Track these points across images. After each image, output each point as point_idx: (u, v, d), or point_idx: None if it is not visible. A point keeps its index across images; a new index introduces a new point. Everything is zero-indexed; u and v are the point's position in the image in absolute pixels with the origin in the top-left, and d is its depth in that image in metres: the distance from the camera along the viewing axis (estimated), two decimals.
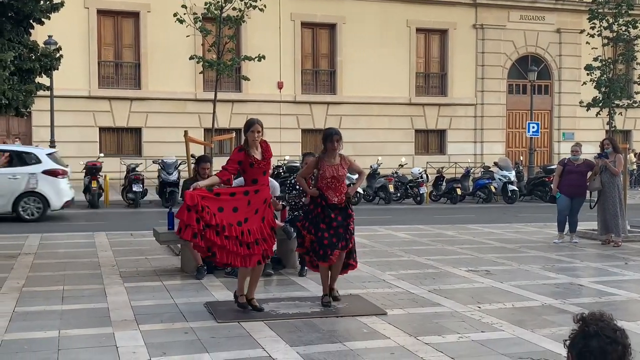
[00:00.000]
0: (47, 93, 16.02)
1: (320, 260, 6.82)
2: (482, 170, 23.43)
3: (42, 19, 9.74)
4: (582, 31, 21.76)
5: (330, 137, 6.87)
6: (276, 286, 8.14)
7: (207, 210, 6.25)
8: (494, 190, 21.31)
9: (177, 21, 17.46)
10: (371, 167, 21.26)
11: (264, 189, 6.61)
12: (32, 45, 9.60)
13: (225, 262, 6.62)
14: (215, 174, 6.93)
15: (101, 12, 24.66)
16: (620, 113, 21.87)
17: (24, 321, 6.35)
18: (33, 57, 9.46)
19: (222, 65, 17.98)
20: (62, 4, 9.93)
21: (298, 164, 19.02)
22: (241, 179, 6.91)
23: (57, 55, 10.02)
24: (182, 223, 6.33)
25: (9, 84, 8.69)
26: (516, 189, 21.56)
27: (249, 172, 6.57)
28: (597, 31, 19.11)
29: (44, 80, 10.82)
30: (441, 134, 29.12)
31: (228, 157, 6.76)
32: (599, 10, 19.15)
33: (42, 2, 9.56)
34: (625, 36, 19.23)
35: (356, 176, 7.61)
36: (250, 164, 6.51)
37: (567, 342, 2.41)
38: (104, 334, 5.93)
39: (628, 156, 17.96)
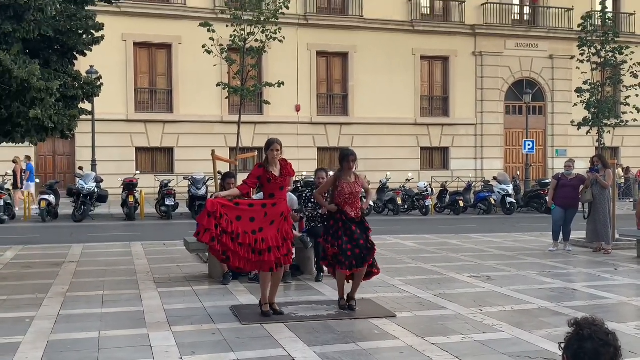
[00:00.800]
0: (89, 117, 16.13)
1: (344, 269, 6.75)
2: (483, 184, 23.31)
3: (85, 51, 9.84)
4: (572, 57, 21.66)
5: (346, 158, 6.89)
6: (295, 291, 8.12)
7: (225, 217, 6.27)
8: (493, 202, 21.20)
9: (205, 52, 17.61)
10: (381, 181, 21.24)
11: (280, 203, 6.59)
12: (76, 75, 9.69)
13: (236, 266, 6.62)
14: (236, 187, 6.94)
15: (137, 44, 24.91)
16: (609, 131, 21.71)
17: (68, 323, 6.38)
18: (76, 85, 9.55)
19: (246, 91, 18.09)
20: (102, 38, 10.03)
21: (314, 179, 19.02)
22: (262, 193, 6.92)
23: (98, 83, 10.10)
24: (201, 227, 6.36)
25: (55, 109, 8.76)
26: (514, 201, 21.44)
27: (266, 186, 6.58)
28: (586, 57, 19.02)
29: (86, 105, 10.90)
30: (444, 151, 29.02)
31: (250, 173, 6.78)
32: (588, 38, 19.07)
33: (84, 36, 9.66)
34: (612, 61, 19.12)
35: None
36: (268, 180, 6.52)
37: (563, 345, 2.39)
38: (139, 334, 5.94)
39: (616, 171, 17.78)
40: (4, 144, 9.81)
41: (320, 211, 8.45)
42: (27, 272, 9.37)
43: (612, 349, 2.30)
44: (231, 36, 17.74)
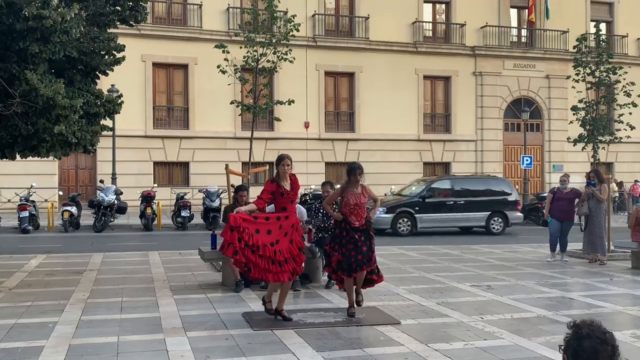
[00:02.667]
0: (110, 133, 16.29)
1: (348, 275, 6.76)
2: None
3: (107, 71, 9.92)
4: (568, 77, 21.65)
5: (354, 171, 6.92)
6: (304, 299, 8.09)
7: (246, 231, 6.28)
8: None
9: (220, 72, 17.70)
10: (385, 194, 21.18)
11: (292, 216, 6.62)
12: (98, 93, 9.76)
13: (257, 277, 6.62)
14: (252, 202, 6.97)
15: (156, 65, 25.09)
16: (603, 147, 21.65)
17: (89, 328, 6.38)
18: (98, 103, 9.61)
19: (258, 109, 18.16)
20: (123, 59, 10.11)
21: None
22: (272, 206, 6.93)
23: (119, 101, 10.16)
24: (225, 241, 6.36)
25: (78, 125, 8.82)
26: None
27: (279, 200, 6.59)
28: (582, 77, 19.05)
29: (107, 122, 10.96)
30: (446, 166, 28.96)
31: (262, 187, 6.79)
32: (583, 59, 19.09)
33: (106, 57, 9.75)
34: (606, 81, 19.13)
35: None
36: (281, 194, 6.55)
37: (562, 346, 2.37)
38: (156, 339, 5.93)
39: (611, 185, 17.70)
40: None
41: (330, 222, 8.46)
42: (50, 279, 9.39)
43: (609, 347, 2.29)
44: (244, 57, 17.83)
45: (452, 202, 18.29)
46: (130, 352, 5.52)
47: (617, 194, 26.87)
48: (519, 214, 19.22)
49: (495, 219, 18.43)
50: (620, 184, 28.38)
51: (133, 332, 6.20)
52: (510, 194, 18.93)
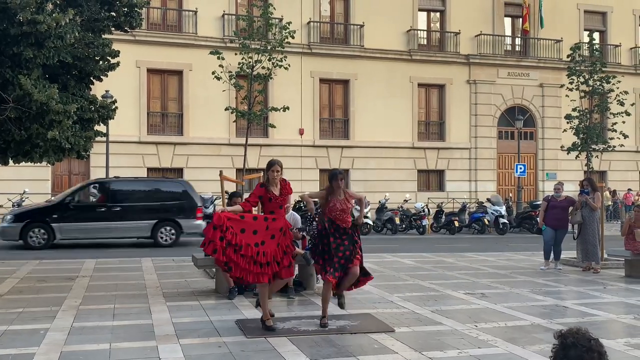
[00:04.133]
0: (104, 139, 16.20)
1: (330, 276, 6.68)
2: (477, 205, 23.31)
3: (101, 77, 9.91)
4: (562, 86, 21.76)
5: (335, 177, 6.90)
6: (297, 306, 8.06)
7: (230, 230, 6.26)
8: (487, 222, 21.18)
9: (214, 78, 17.68)
10: (379, 202, 21.21)
11: (280, 219, 6.61)
12: (92, 99, 9.74)
13: (237, 276, 6.56)
14: (239, 204, 6.99)
15: (150, 71, 25.06)
16: (597, 156, 21.75)
17: (80, 335, 6.33)
18: (92, 109, 9.59)
19: (252, 115, 18.14)
20: (117, 64, 10.11)
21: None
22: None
23: (113, 107, 10.15)
24: (206, 239, 6.36)
25: (72, 131, 8.80)
26: (507, 221, 21.42)
27: (267, 205, 6.60)
28: (575, 86, 19.16)
29: (101, 128, 10.95)
30: (440, 173, 29.01)
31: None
32: (577, 68, 19.21)
33: (101, 63, 9.74)
34: (599, 90, 19.24)
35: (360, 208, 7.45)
36: (269, 199, 6.56)
37: (551, 357, 2.39)
38: (148, 346, 5.89)
39: (604, 194, 17.77)
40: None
41: (314, 224, 8.32)
42: (42, 285, 9.33)
43: (595, 354, 2.30)
44: (239, 63, 17.82)
45: (104, 209, 15.70)
46: (122, 359, 5.48)
47: (610, 203, 26.98)
48: (199, 222, 16.39)
49: (166, 228, 16.07)
50: (613, 193, 28.50)
51: (125, 339, 6.15)
52: (188, 198, 16.39)
